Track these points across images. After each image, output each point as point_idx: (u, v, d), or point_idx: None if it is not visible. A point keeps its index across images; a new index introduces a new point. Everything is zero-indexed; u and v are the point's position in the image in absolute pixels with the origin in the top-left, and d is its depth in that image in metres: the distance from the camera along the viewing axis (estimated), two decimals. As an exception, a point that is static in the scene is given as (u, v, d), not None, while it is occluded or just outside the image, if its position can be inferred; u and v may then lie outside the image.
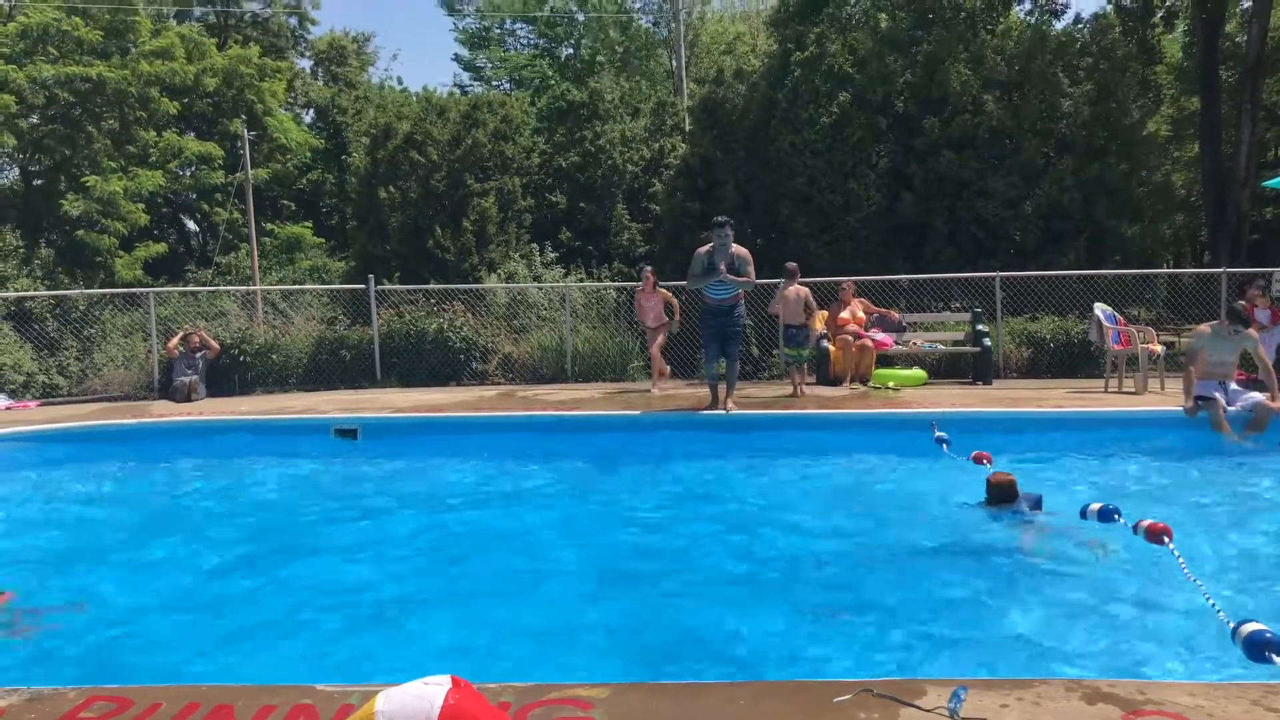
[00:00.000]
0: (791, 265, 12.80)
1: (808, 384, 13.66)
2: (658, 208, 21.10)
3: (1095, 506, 6.25)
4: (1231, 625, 3.90)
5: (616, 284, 17.63)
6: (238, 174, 22.17)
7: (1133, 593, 5.20)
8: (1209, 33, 21.43)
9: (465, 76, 39.99)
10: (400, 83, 33.28)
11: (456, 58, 40.13)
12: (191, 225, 29.78)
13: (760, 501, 7.87)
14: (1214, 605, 4.31)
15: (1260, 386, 10.07)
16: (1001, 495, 7.04)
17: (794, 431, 10.30)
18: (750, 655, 4.53)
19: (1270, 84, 23.72)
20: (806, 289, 12.59)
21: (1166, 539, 5.49)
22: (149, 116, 23.53)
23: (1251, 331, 9.58)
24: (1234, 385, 9.63)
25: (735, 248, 10.49)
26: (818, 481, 8.56)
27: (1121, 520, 5.93)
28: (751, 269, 10.58)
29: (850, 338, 13.40)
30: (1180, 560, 5.23)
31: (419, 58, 68.57)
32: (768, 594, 5.47)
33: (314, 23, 31.89)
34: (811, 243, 17.95)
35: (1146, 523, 5.70)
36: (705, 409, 10.79)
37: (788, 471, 8.93)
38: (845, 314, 13.76)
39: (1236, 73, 22.76)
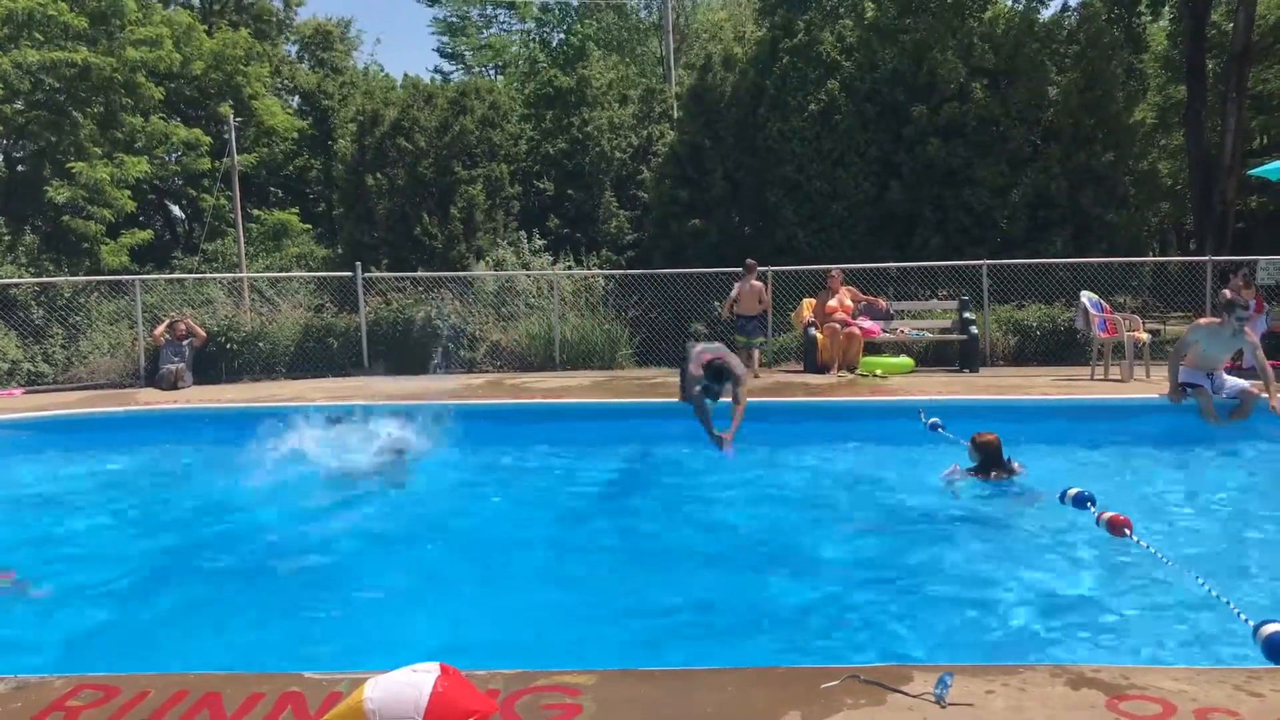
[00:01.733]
0: (750, 261, 13.49)
1: (795, 371, 13.79)
2: (646, 195, 21.10)
3: (1073, 492, 6.31)
4: (1252, 624, 3.92)
5: (605, 272, 17.62)
6: (224, 159, 22.07)
7: (1115, 579, 5.24)
8: (1195, 20, 21.46)
9: (445, 64, 39.85)
10: (383, 70, 33.09)
11: (439, 47, 40.02)
12: (177, 212, 29.59)
13: (745, 487, 7.89)
14: (1224, 600, 4.34)
15: (1241, 373, 10.13)
16: (988, 455, 7.10)
17: (781, 419, 10.31)
18: (738, 640, 4.55)
19: (1256, 72, 23.76)
20: (762, 284, 13.42)
21: (1128, 531, 5.56)
22: (135, 102, 23.34)
23: (1249, 332, 9.58)
24: (1221, 374, 9.67)
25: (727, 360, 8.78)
26: (802, 468, 8.58)
27: (1093, 509, 5.99)
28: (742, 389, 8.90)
29: (838, 325, 13.42)
30: (1153, 550, 5.26)
31: (398, 45, 68.32)
32: (751, 578, 5.49)
33: (300, 3, 31.60)
34: (800, 230, 17.97)
35: (1108, 515, 5.76)
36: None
37: (774, 457, 8.95)
38: (833, 302, 13.77)
39: (1222, 61, 22.80)
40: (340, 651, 4.49)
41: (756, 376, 12.55)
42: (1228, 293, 10.47)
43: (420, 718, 2.74)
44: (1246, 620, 4.00)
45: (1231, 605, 4.23)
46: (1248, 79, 21.23)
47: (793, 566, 5.71)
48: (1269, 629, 3.78)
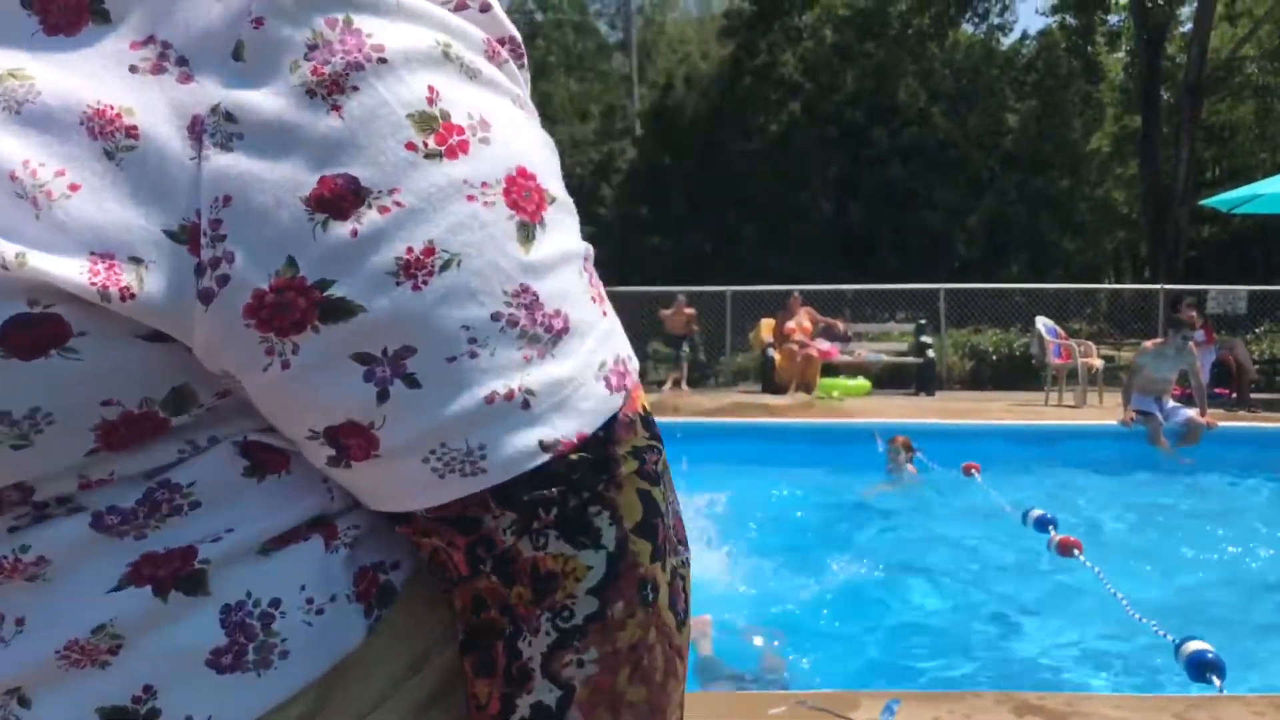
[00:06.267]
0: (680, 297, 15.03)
1: (752, 391, 13.88)
2: (606, 212, 21.12)
3: (1035, 514, 6.34)
4: (1174, 642, 3.93)
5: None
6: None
7: (1065, 605, 5.26)
8: (1150, 52, 21.87)
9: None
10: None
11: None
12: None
13: (696, 510, 7.85)
14: (1144, 621, 4.36)
15: (1192, 403, 10.31)
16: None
17: (735, 440, 10.29)
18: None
19: (1209, 104, 24.25)
20: (693, 309, 14.70)
21: (1077, 552, 5.59)
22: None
23: (1192, 347, 9.79)
24: (1170, 402, 9.84)
25: None
26: (756, 489, 8.56)
27: (1053, 532, 6.02)
28: None
29: (795, 346, 13.46)
30: (1099, 573, 5.29)
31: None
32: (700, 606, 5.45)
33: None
34: (760, 249, 18.04)
35: (1059, 537, 5.79)
36: None
37: (726, 477, 8.91)
38: (791, 323, 13.82)
39: (1176, 92, 23.24)
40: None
41: (684, 389, 13.95)
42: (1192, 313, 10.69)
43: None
44: (1169, 638, 4.01)
45: (1159, 629, 4.23)
46: (1201, 111, 21.65)
47: (736, 589, 5.67)
48: (1191, 646, 3.81)
